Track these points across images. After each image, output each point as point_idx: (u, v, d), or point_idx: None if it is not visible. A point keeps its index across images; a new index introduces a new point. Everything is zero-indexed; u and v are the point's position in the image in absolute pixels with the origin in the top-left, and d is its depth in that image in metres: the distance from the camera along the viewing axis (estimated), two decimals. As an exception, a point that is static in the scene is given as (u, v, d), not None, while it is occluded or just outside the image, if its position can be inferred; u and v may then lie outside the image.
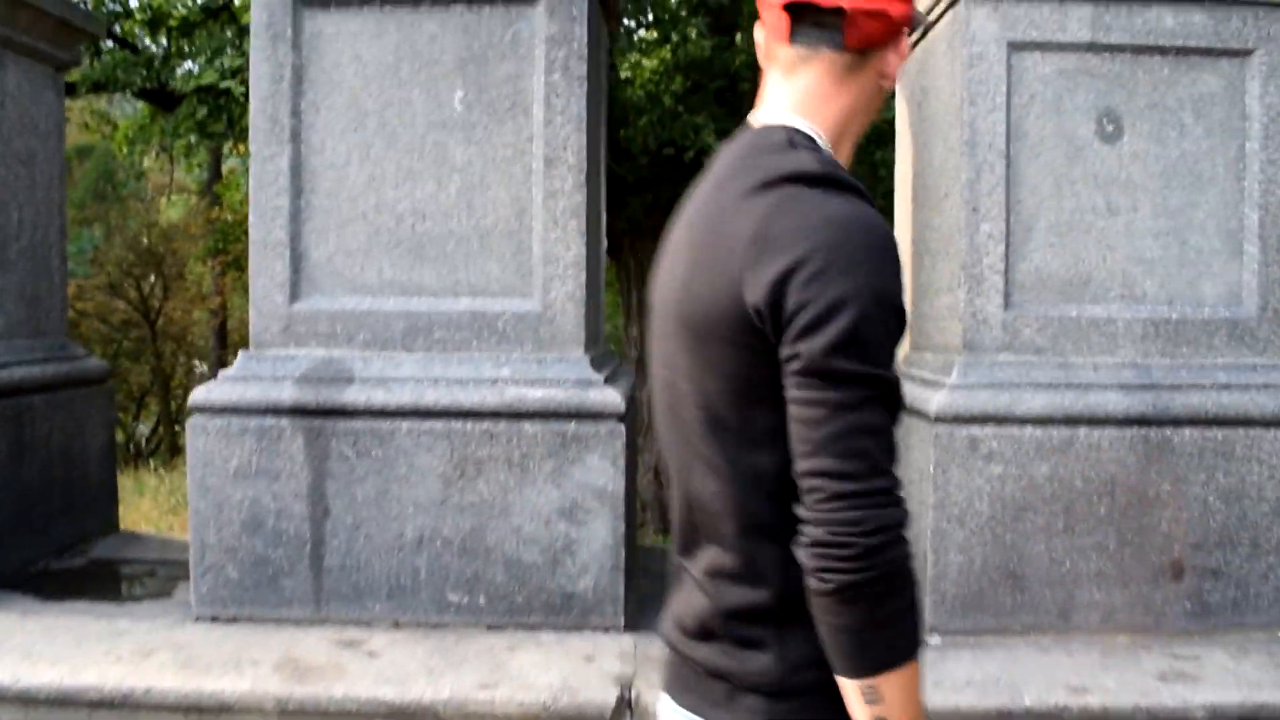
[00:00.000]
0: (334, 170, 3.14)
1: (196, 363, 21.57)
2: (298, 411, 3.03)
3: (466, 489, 3.00)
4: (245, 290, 14.09)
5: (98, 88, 7.59)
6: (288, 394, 3.04)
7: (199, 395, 3.12)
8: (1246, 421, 3.05)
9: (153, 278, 18.14)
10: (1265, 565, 3.06)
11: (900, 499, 1.03)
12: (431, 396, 3.01)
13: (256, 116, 3.16)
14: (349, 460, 3.02)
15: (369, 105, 3.13)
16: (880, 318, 1.05)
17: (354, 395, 3.02)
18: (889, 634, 1.04)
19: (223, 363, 17.46)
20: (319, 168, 3.14)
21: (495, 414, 2.99)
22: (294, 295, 3.14)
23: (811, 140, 1.18)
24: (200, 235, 16.31)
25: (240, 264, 11.57)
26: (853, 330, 1.02)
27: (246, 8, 7.59)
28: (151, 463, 16.65)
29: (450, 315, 3.10)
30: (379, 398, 3.02)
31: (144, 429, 20.52)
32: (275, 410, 3.04)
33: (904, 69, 3.87)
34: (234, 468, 3.05)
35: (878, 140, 6.47)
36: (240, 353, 3.22)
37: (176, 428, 19.92)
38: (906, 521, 1.03)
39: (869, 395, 1.03)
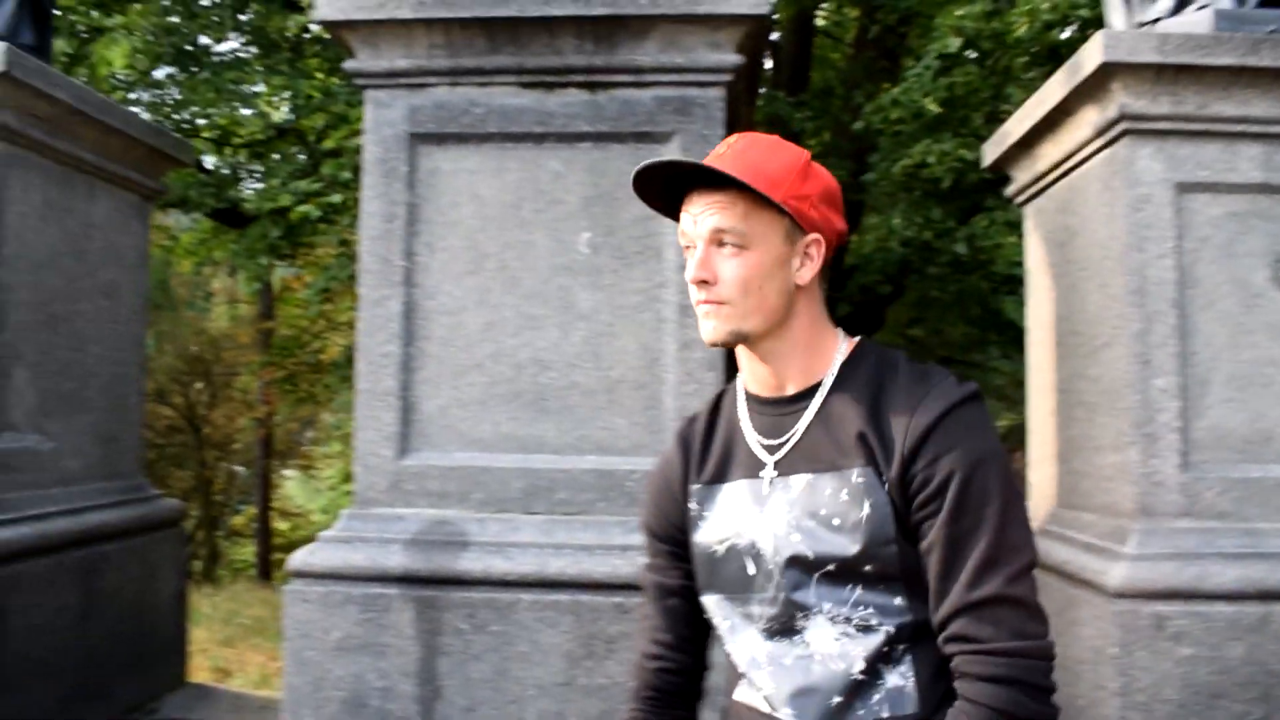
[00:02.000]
0: (449, 316, 2.92)
1: (239, 467, 21.44)
2: (407, 579, 2.76)
3: (595, 670, 2.70)
4: (293, 400, 14.00)
5: (168, 206, 7.55)
6: (396, 559, 2.77)
7: (298, 559, 2.86)
8: None
9: (200, 385, 18.14)
10: None
11: None
12: (556, 565, 2.74)
13: (366, 257, 2.97)
14: (464, 635, 2.74)
15: (488, 247, 2.93)
16: None
17: (470, 562, 2.75)
18: None
19: (266, 474, 17.36)
20: (433, 313, 2.93)
21: (627, 586, 2.70)
22: (403, 450, 2.90)
23: None
24: (249, 345, 16.30)
25: (294, 380, 11.44)
26: None
27: (315, 128, 7.66)
28: (194, 573, 16.43)
29: (574, 474, 2.84)
30: (498, 566, 2.74)
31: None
32: (382, 578, 2.77)
33: (1042, 207, 3.69)
34: (335, 640, 2.77)
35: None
36: (343, 512, 2.98)
37: (217, 533, 19.75)
38: None
39: None
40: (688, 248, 1.42)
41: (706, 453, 1.54)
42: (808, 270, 1.43)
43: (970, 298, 7.66)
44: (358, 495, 2.94)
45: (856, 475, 1.36)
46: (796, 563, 1.39)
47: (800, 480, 1.41)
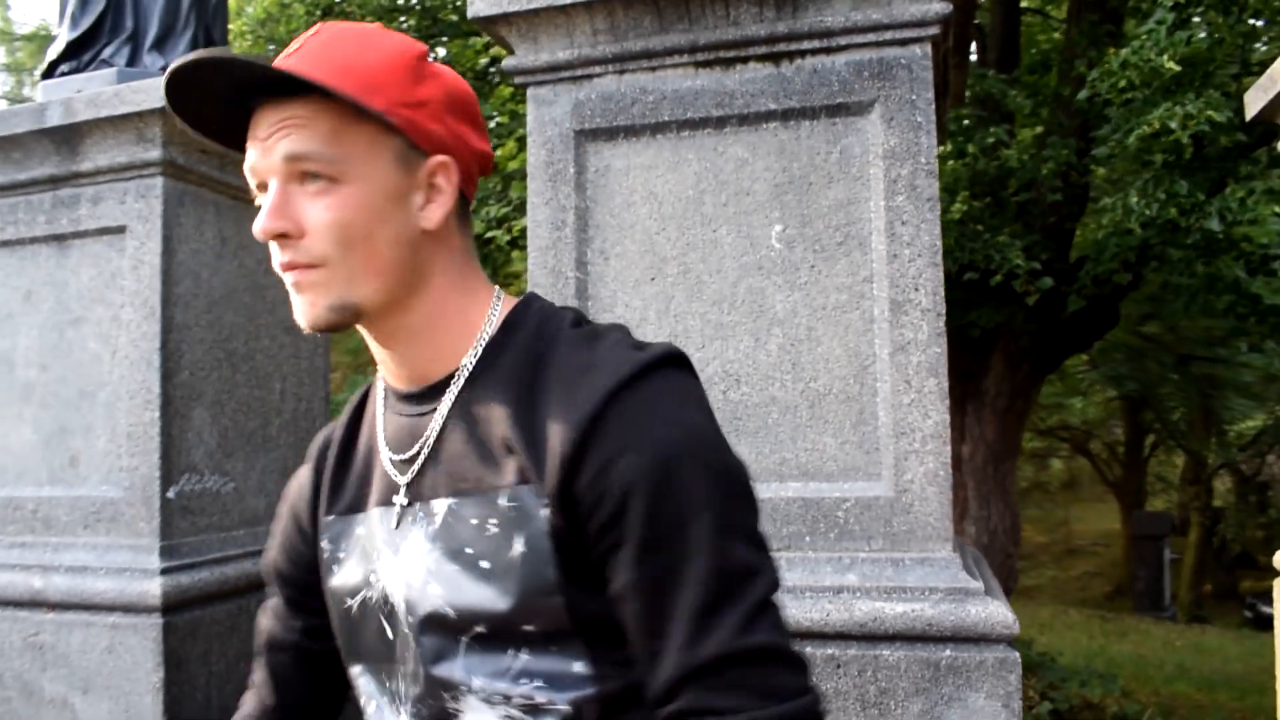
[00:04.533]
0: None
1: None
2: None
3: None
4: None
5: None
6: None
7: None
8: None
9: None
10: None
11: None
12: (759, 612, 2.35)
13: (535, 270, 2.69)
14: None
15: (667, 250, 2.59)
16: None
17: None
18: None
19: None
20: (610, 327, 2.61)
21: (842, 635, 2.30)
22: (583, 481, 2.59)
23: None
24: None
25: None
26: None
27: (511, 155, 7.60)
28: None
29: (775, 503, 2.46)
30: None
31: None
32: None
33: None
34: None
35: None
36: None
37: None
38: None
39: None
40: (260, 187, 1.02)
41: (343, 471, 1.17)
42: (437, 208, 1.03)
43: (1219, 283, 6.82)
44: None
45: (505, 498, 0.98)
46: (435, 623, 1.01)
47: (440, 507, 1.03)
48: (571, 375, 0.98)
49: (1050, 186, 6.04)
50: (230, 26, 6.51)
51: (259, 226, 0.99)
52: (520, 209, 6.15)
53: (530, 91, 2.75)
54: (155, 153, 3.13)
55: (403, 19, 8.01)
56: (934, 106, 2.52)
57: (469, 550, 1.00)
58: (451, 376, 1.05)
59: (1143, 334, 14.11)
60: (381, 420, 1.12)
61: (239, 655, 3.16)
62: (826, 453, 2.46)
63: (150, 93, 3.07)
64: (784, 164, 2.56)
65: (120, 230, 3.19)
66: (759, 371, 2.51)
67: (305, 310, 1.01)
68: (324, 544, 1.16)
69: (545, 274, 2.67)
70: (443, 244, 1.05)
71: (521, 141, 6.59)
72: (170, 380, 3.10)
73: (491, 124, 7.22)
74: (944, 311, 2.43)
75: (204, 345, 3.26)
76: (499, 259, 6.64)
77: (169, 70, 0.97)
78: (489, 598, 0.97)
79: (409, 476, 1.06)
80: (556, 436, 0.94)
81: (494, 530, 0.98)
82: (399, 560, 1.06)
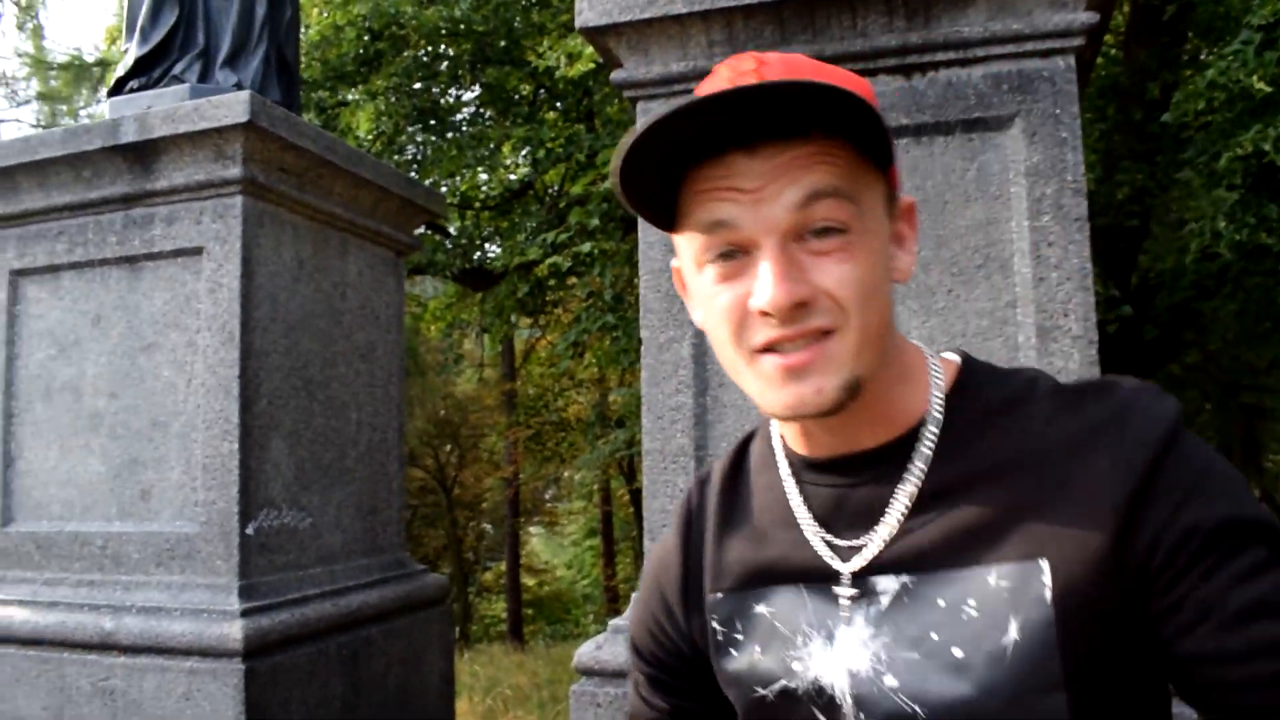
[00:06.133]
0: (751, 358, 2.43)
1: (487, 526, 21.88)
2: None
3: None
4: (539, 458, 14.01)
5: (415, 271, 7.53)
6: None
7: (586, 653, 2.42)
8: None
9: (449, 447, 18.60)
10: None
11: None
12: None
13: (648, 294, 2.53)
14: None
15: (791, 272, 2.43)
16: None
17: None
18: None
19: (515, 531, 17.49)
20: (730, 355, 2.45)
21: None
22: (701, 521, 2.42)
23: None
24: (495, 407, 16.53)
25: (540, 437, 11.37)
26: None
27: (553, 183, 7.48)
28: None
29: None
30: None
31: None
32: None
33: None
34: (629, 754, 2.30)
35: None
36: (635, 596, 2.52)
37: (468, 589, 20.13)
38: None
39: None
40: (724, 256, 0.85)
41: (731, 542, 1.01)
42: (907, 257, 0.92)
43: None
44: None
45: (996, 576, 0.84)
46: None
47: (891, 586, 0.89)
48: (1099, 423, 0.86)
49: (1126, 211, 5.87)
50: (283, 49, 6.42)
51: (768, 295, 0.81)
52: (581, 235, 6.03)
53: (640, 105, 2.61)
54: (235, 170, 3.00)
55: (450, 43, 7.93)
56: (1079, 121, 2.35)
57: (935, 636, 0.85)
58: (903, 443, 0.91)
59: (1185, 363, 13.87)
60: (795, 489, 0.97)
61: (319, 703, 2.98)
62: (970, 492, 2.28)
63: (231, 107, 2.94)
64: (917, 182, 2.40)
65: (196, 252, 3.05)
66: (895, 403, 2.34)
67: (811, 393, 0.84)
68: (714, 624, 1.01)
69: (659, 299, 2.51)
70: (890, 296, 0.91)
71: (580, 169, 6.47)
72: (249, 409, 2.95)
73: (541, 152, 7.10)
74: (1096, 339, 2.25)
75: (281, 373, 3.11)
76: (555, 286, 6.50)
77: (652, 119, 0.79)
78: (965, 694, 0.83)
79: (855, 555, 0.91)
80: (1102, 487, 0.82)
81: (974, 614, 0.84)
82: (836, 646, 0.91)
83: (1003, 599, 0.83)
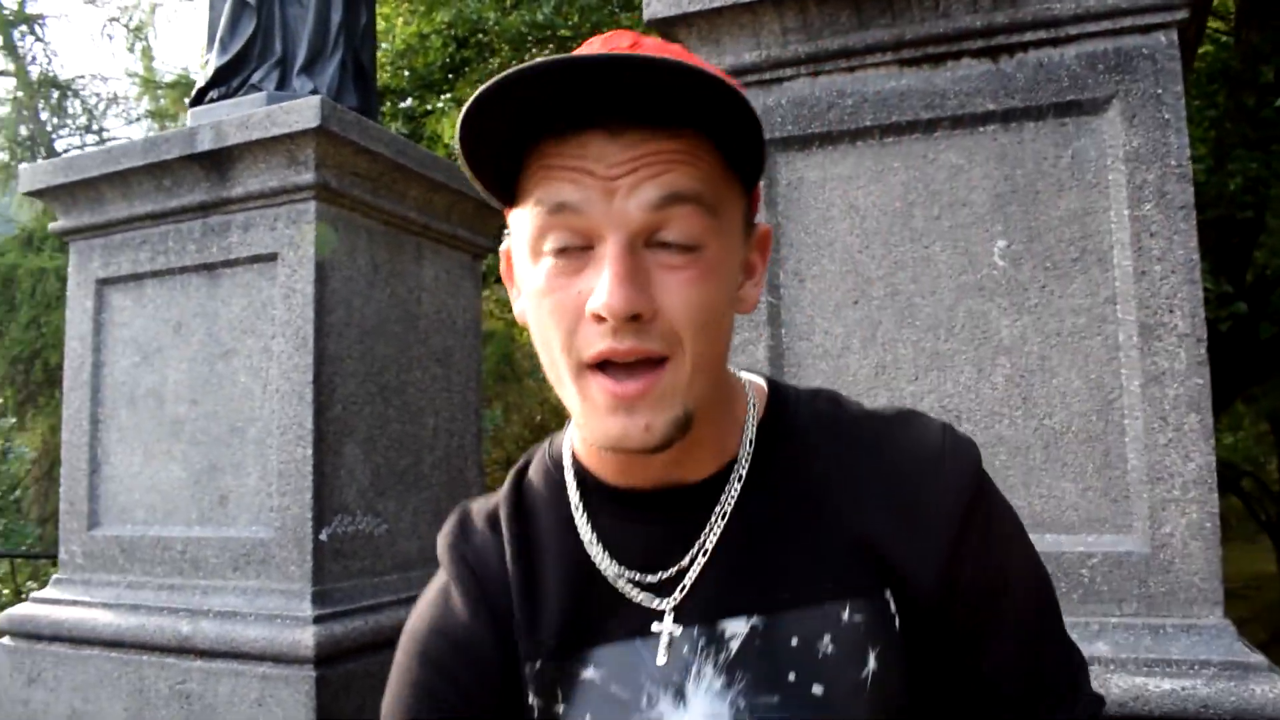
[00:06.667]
0: (829, 359, 2.32)
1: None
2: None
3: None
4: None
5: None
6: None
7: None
8: None
9: (546, 451, 18.73)
10: None
11: None
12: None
13: (720, 294, 2.43)
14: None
15: (872, 270, 2.31)
16: None
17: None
18: None
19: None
20: (807, 356, 2.34)
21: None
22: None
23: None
24: (587, 410, 16.55)
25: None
26: None
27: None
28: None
29: (1006, 559, 2.13)
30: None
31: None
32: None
33: None
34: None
35: None
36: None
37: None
38: None
39: None
40: (563, 251, 0.76)
41: (535, 599, 0.88)
42: (754, 288, 0.86)
43: None
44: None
45: (849, 610, 0.81)
46: None
47: (740, 629, 0.82)
48: (918, 454, 0.87)
49: (1239, 203, 5.56)
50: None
51: (604, 299, 0.73)
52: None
53: (712, 98, 2.51)
54: (308, 176, 2.98)
55: (534, 48, 7.92)
56: (1183, 101, 2.18)
57: (791, 676, 0.81)
58: (716, 477, 0.86)
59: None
60: (588, 527, 0.87)
61: (392, 710, 2.95)
62: (1066, 500, 2.13)
63: (302, 113, 2.93)
64: (1005, 171, 2.25)
65: (272, 258, 3.05)
66: (983, 407, 2.20)
67: (640, 429, 0.76)
68: (530, 697, 0.87)
69: (731, 298, 2.41)
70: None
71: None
72: (323, 415, 2.93)
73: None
74: (1205, 337, 2.08)
75: (356, 378, 3.09)
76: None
77: (501, 78, 0.70)
78: None
79: (674, 598, 0.84)
80: (932, 518, 0.83)
81: (829, 650, 0.81)
82: (690, 703, 0.82)
83: (859, 632, 0.81)
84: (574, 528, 0.88)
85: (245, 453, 3.02)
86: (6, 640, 3.24)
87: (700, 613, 0.83)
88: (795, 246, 2.37)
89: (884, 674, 0.81)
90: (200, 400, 3.13)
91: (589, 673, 0.85)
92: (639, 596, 0.85)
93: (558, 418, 18.31)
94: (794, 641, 0.81)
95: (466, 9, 6.87)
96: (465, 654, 0.89)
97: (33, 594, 3.34)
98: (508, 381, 16.18)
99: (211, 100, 3.55)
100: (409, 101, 7.70)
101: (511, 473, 0.96)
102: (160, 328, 3.24)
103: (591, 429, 0.77)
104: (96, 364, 3.33)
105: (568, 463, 0.91)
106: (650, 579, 0.85)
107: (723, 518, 0.84)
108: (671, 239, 0.74)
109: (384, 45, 7.61)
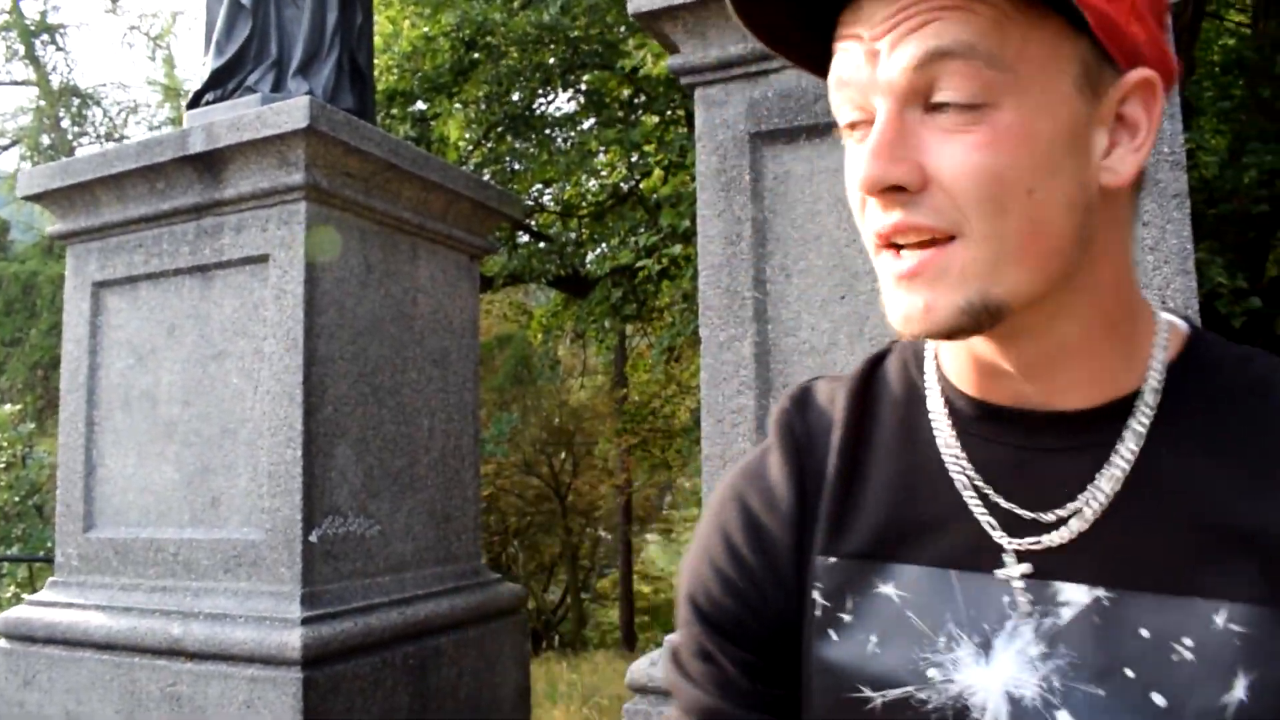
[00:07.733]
0: (816, 355, 2.28)
1: (603, 533, 21.96)
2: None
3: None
4: (648, 466, 13.96)
5: (513, 280, 7.52)
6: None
7: (640, 670, 2.29)
8: None
9: (563, 455, 18.69)
10: None
11: None
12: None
13: (707, 290, 2.39)
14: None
15: (859, 264, 2.26)
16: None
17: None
18: None
19: (628, 539, 17.47)
20: (794, 353, 2.30)
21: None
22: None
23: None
24: (607, 415, 16.55)
25: (647, 445, 11.29)
26: None
27: (655, 189, 7.39)
28: (557, 638, 16.79)
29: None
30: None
31: (553, 597, 21.04)
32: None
33: None
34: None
35: None
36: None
37: (583, 596, 20.21)
38: None
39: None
40: (852, 125, 0.68)
41: (855, 492, 0.76)
42: (1130, 154, 0.66)
43: None
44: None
45: (1225, 615, 0.64)
46: None
47: (1080, 598, 0.67)
48: None
49: (1254, 196, 5.47)
50: (377, 61, 6.50)
51: (861, 172, 0.64)
52: (671, 237, 5.90)
53: (699, 93, 2.48)
54: (298, 177, 2.97)
55: (548, 51, 7.92)
56: (1177, 85, 2.13)
57: (1130, 674, 0.66)
58: (1110, 412, 0.70)
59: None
60: (952, 435, 0.75)
61: (384, 713, 2.93)
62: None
63: (292, 114, 2.92)
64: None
65: (263, 259, 3.04)
66: (971, 402, 2.15)
67: (919, 309, 0.65)
68: (815, 593, 0.76)
69: (719, 294, 2.37)
70: (1117, 215, 0.69)
71: (670, 169, 6.35)
72: (313, 416, 2.91)
73: (634, 157, 7.01)
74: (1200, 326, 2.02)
75: (348, 379, 3.07)
76: (649, 290, 6.40)
77: None
78: None
79: (1038, 544, 0.70)
80: None
81: (1186, 656, 0.65)
82: (994, 659, 0.70)
83: (1232, 646, 0.64)
84: (923, 429, 0.76)
85: (237, 454, 3.01)
86: (3, 643, 3.24)
87: (1042, 562, 0.69)
88: (782, 241, 2.33)
89: (1258, 711, 0.63)
90: (193, 402, 3.12)
91: (888, 589, 0.74)
92: (984, 524, 0.71)
93: (574, 420, 18.29)
94: (1144, 632, 0.66)
95: (472, 11, 6.87)
96: (774, 510, 0.80)
97: (28, 597, 3.34)
98: (524, 384, 16.21)
99: (208, 103, 3.55)
100: (420, 105, 7.71)
101: (866, 359, 0.85)
102: (154, 330, 3.23)
103: (887, 309, 0.68)
104: (92, 367, 3.33)
105: (929, 366, 0.79)
106: (1015, 510, 0.71)
107: (1115, 466, 0.69)
108: (948, 99, 0.63)
109: (392, 49, 7.62)
